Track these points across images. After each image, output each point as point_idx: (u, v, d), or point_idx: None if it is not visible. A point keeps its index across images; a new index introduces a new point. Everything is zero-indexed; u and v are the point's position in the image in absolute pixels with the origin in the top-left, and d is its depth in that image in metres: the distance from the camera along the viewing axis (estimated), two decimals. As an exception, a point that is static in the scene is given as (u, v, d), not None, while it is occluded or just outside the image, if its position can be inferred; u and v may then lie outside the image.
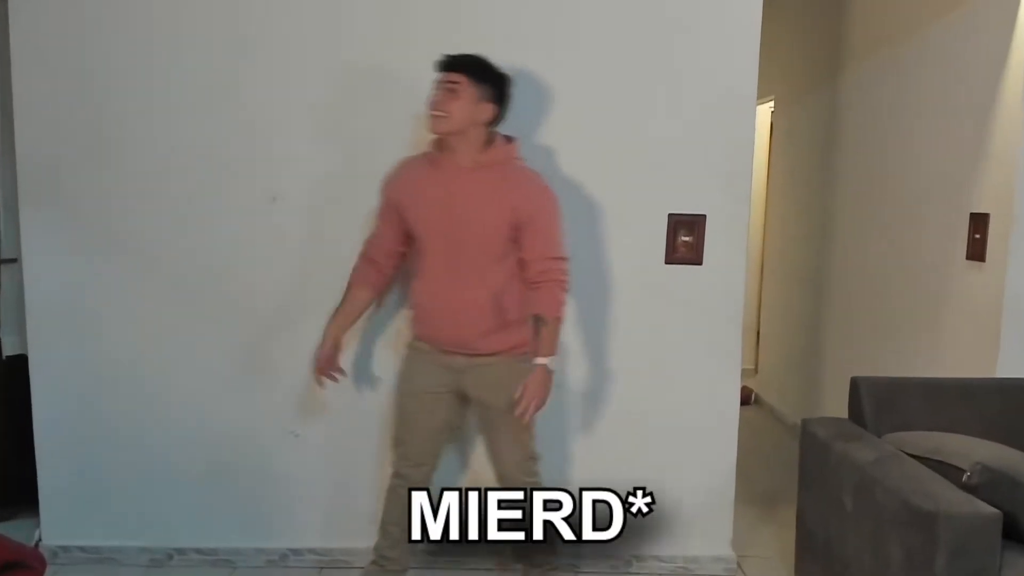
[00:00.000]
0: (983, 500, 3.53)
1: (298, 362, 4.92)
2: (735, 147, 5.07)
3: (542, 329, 4.34)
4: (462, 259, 4.36)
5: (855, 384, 4.68)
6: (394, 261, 4.61)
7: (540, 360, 4.30)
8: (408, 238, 4.52)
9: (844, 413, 4.74)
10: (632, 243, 5.10)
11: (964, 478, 3.66)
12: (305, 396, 5.07)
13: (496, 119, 4.33)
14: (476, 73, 4.24)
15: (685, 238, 5.10)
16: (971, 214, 5.27)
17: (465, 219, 4.31)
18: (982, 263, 5.14)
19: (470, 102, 4.22)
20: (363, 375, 5.11)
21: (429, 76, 4.28)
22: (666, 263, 5.10)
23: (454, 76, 4.20)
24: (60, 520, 5.17)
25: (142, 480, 5.12)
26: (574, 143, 4.99)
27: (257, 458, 5.14)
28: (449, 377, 4.48)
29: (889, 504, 3.74)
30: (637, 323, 5.11)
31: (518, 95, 4.48)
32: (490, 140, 4.35)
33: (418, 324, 4.57)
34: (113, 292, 5.00)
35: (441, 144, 4.35)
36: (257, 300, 5.06)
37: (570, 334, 4.98)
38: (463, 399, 4.58)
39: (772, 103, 9.07)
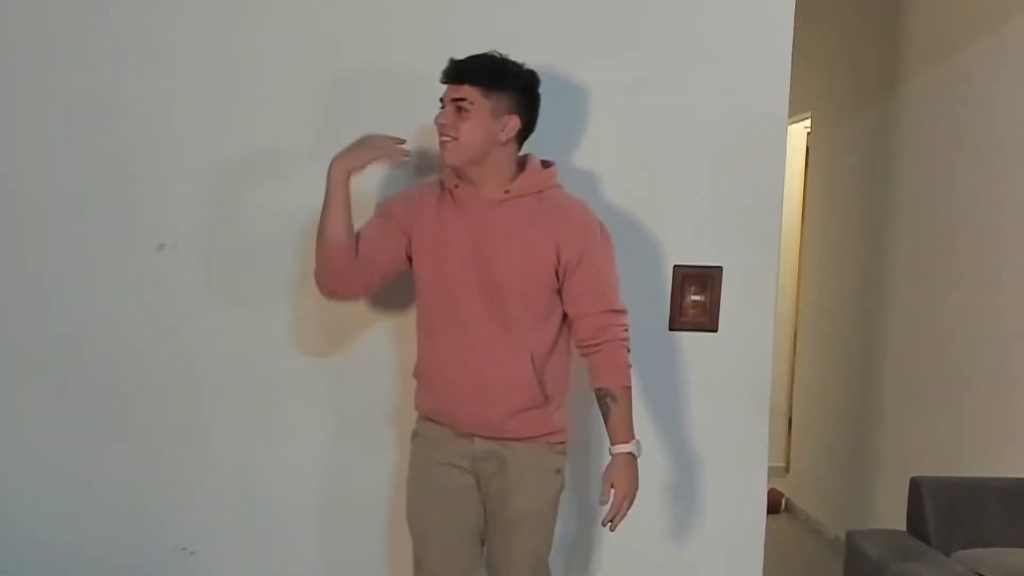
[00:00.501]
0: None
1: (197, 459, 5.04)
2: (760, 179, 5.08)
3: (612, 406, 4.20)
4: (493, 317, 4.25)
5: (916, 486, 4.68)
6: (369, 282, 4.50)
7: (621, 448, 4.19)
8: (395, 269, 4.45)
9: (901, 524, 4.76)
10: (627, 303, 4.58)
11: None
12: (203, 503, 5.10)
13: (524, 132, 4.26)
14: (489, 81, 4.13)
15: (696, 297, 5.07)
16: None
17: (496, 266, 4.21)
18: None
19: (485, 119, 4.12)
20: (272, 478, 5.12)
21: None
22: (671, 329, 5.09)
23: (461, 88, 4.11)
24: None
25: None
26: (564, 165, 4.77)
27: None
28: (472, 466, 4.36)
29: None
30: (636, 407, 4.75)
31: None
32: (521, 163, 4.30)
33: (428, 397, 4.44)
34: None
35: (460, 173, 4.24)
36: (140, 381, 5.07)
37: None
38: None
39: (808, 122, 9.11)
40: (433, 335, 4.38)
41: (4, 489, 5.05)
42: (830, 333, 8.80)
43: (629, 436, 4.21)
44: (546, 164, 4.35)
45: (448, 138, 4.11)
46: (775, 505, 8.71)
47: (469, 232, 4.24)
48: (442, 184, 4.34)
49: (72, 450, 5.06)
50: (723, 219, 5.08)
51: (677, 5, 5.03)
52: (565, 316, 4.31)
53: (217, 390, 4.99)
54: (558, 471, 4.36)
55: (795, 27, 5.00)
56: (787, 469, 9.65)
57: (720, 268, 5.06)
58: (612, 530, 4.22)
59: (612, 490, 4.15)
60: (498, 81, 4.13)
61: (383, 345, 5.09)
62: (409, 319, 4.74)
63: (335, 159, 4.24)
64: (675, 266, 5.04)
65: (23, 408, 5.06)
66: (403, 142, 4.36)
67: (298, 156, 4.65)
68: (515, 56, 4.29)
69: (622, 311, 4.30)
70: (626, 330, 4.29)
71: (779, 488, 9.19)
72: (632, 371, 4.29)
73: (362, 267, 4.35)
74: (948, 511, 4.55)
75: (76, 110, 4.97)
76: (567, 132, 4.96)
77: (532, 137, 4.49)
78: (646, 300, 5.00)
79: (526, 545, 4.35)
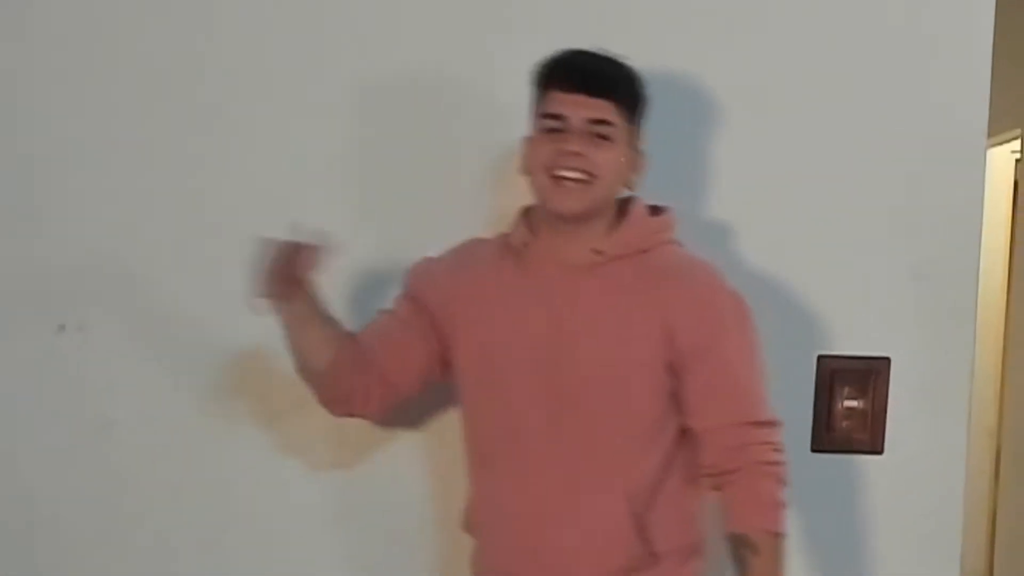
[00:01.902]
0: None
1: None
2: (946, 225, 4.08)
3: (751, 560, 3.17)
4: (574, 437, 3.26)
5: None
6: (386, 398, 3.51)
7: None
8: (422, 377, 3.51)
9: None
10: None
11: None
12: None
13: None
14: (633, 96, 3.24)
15: (851, 403, 4.01)
16: None
17: (577, 363, 3.24)
18: None
19: (624, 151, 3.21)
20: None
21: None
22: (813, 451, 4.07)
23: (604, 106, 3.13)
24: None
25: None
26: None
27: None
28: None
29: None
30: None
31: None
32: (622, 211, 3.33)
33: (484, 555, 3.51)
34: None
35: (538, 225, 3.31)
36: (31, 507, 4.40)
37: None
38: None
39: (1018, 143, 7.99)
40: (485, 470, 3.47)
41: None
42: None
43: None
44: (656, 211, 3.40)
45: (580, 176, 3.11)
46: None
47: (542, 317, 3.30)
48: (506, 243, 3.42)
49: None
50: (892, 287, 4.10)
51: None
52: (683, 433, 3.33)
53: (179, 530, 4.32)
54: None
55: (1002, 20, 4.15)
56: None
57: (888, 360, 4.04)
58: None
59: None
60: (639, 98, 3.29)
61: (412, 460, 4.21)
62: (446, 429, 4.00)
63: (251, 283, 3.31)
64: (820, 356, 4.05)
65: None
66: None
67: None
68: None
69: (771, 423, 3.27)
70: (777, 450, 3.24)
71: None
72: (783, 513, 3.26)
73: (372, 378, 3.48)
74: None
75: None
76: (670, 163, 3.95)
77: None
78: (777, 408, 3.75)
79: None
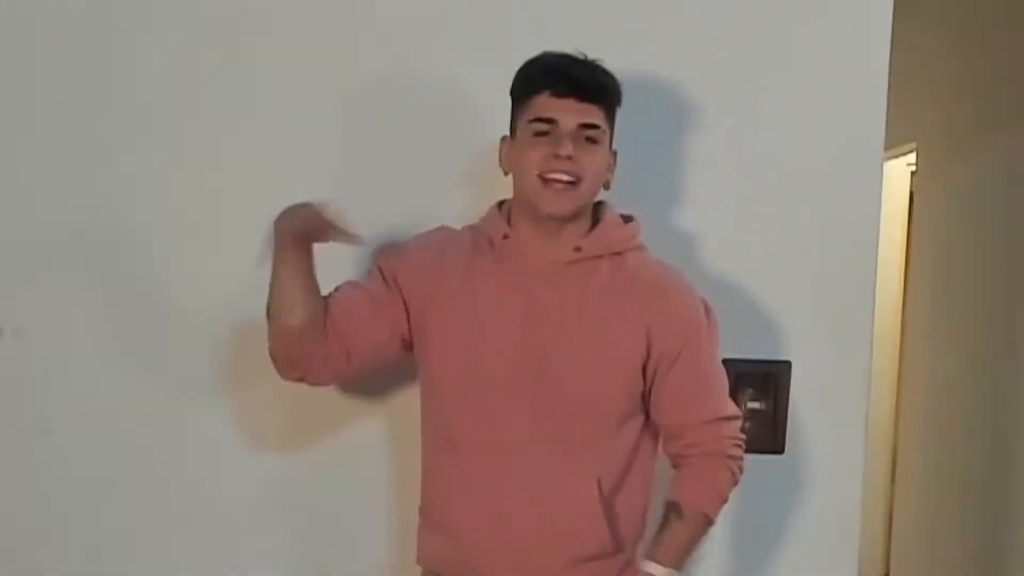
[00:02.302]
0: None
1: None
2: (844, 235, 4.27)
3: (674, 523, 3.35)
4: (549, 423, 3.39)
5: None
6: (343, 366, 3.54)
7: (651, 568, 3.29)
8: (381, 355, 3.59)
9: None
10: None
11: None
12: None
13: None
14: (615, 104, 3.41)
15: (753, 405, 4.15)
16: None
17: (557, 358, 3.36)
18: None
19: (607, 155, 3.40)
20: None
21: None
22: None
23: (595, 111, 3.29)
24: None
25: None
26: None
27: None
28: None
29: None
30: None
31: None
32: (595, 214, 3.49)
33: (438, 543, 3.57)
34: None
35: (517, 221, 3.44)
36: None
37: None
38: None
39: (913, 156, 8.27)
40: (453, 455, 3.51)
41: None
42: (945, 451, 7.93)
43: (671, 563, 3.34)
44: (625, 219, 3.56)
45: (570, 178, 3.25)
46: None
47: (519, 307, 3.42)
48: (483, 235, 3.54)
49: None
50: (794, 294, 4.27)
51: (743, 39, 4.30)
52: (643, 424, 3.49)
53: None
54: None
55: (897, 39, 4.33)
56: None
57: (788, 363, 4.22)
58: None
59: None
60: (618, 104, 3.46)
61: (368, 454, 4.28)
62: (408, 417, 3.95)
63: (278, 217, 3.37)
64: (724, 360, 3.86)
65: None
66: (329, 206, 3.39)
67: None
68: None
69: (735, 417, 3.49)
70: (738, 445, 3.46)
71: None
72: (724, 503, 3.49)
73: (333, 347, 3.51)
74: None
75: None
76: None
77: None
78: None
79: None
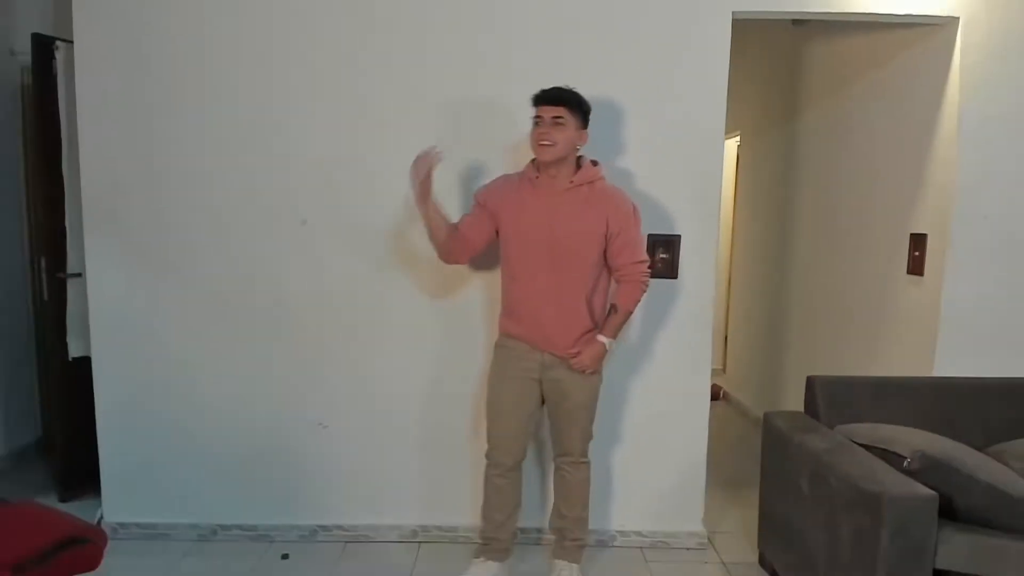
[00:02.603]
0: (922, 483, 3.54)
1: (326, 363, 5.01)
2: (706, 177, 5.00)
3: (613, 315, 4.36)
4: (561, 269, 4.30)
5: (810, 382, 4.68)
6: (470, 253, 4.55)
7: (601, 338, 4.34)
8: (487, 242, 4.51)
9: (801, 407, 4.73)
10: None
11: (905, 464, 3.67)
12: (332, 393, 5.08)
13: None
14: (576, 104, 4.22)
15: (663, 255, 5.02)
16: (911, 234, 5.28)
17: (566, 232, 4.26)
18: (921, 277, 5.14)
19: (573, 131, 4.22)
20: (387, 377, 5.10)
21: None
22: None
23: (558, 109, 4.18)
24: (119, 500, 5.18)
25: (191, 464, 5.13)
26: None
27: (290, 446, 5.14)
28: (539, 371, 4.43)
29: (840, 488, 3.74)
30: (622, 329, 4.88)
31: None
32: (579, 164, 4.35)
33: (513, 324, 4.48)
34: (163, 302, 5.02)
35: (538, 166, 4.31)
36: (291, 312, 5.05)
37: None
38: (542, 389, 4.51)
39: (738, 138, 8.96)
40: (515, 281, 4.42)
41: (198, 375, 5.09)
42: (752, 279, 8.66)
43: (611, 335, 4.37)
44: (594, 163, 4.41)
45: (548, 143, 4.17)
46: (716, 394, 8.63)
47: (545, 210, 4.29)
48: (526, 176, 4.38)
49: (246, 357, 5.08)
50: (682, 204, 5.01)
51: (651, 59, 4.92)
52: (604, 266, 4.38)
53: (355, 319, 5.00)
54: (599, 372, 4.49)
55: (729, 71, 4.91)
56: (724, 370, 9.44)
57: (679, 236, 5.02)
58: (574, 366, 4.35)
59: (580, 354, 4.33)
60: (580, 105, 4.24)
61: (476, 291, 5.07)
62: (493, 276, 4.81)
63: (412, 165, 4.25)
64: (649, 235, 4.92)
65: (210, 329, 5.07)
66: (433, 148, 4.27)
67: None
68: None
69: (645, 261, 4.42)
70: (646, 275, 4.40)
71: (719, 383, 9.05)
72: (637, 304, 4.45)
73: (464, 246, 4.47)
74: (833, 399, 4.56)
75: (249, 136, 4.94)
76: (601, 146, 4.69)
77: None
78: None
79: (580, 423, 4.53)
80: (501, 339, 4.55)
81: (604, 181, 4.41)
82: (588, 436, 4.60)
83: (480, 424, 4.79)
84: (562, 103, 4.19)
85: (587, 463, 4.63)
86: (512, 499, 4.62)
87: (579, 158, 4.36)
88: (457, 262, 4.60)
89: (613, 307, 4.38)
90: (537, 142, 4.22)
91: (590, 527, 4.90)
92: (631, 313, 4.45)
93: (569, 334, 4.35)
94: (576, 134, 4.24)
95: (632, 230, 4.36)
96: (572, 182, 4.29)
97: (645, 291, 4.42)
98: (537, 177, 4.33)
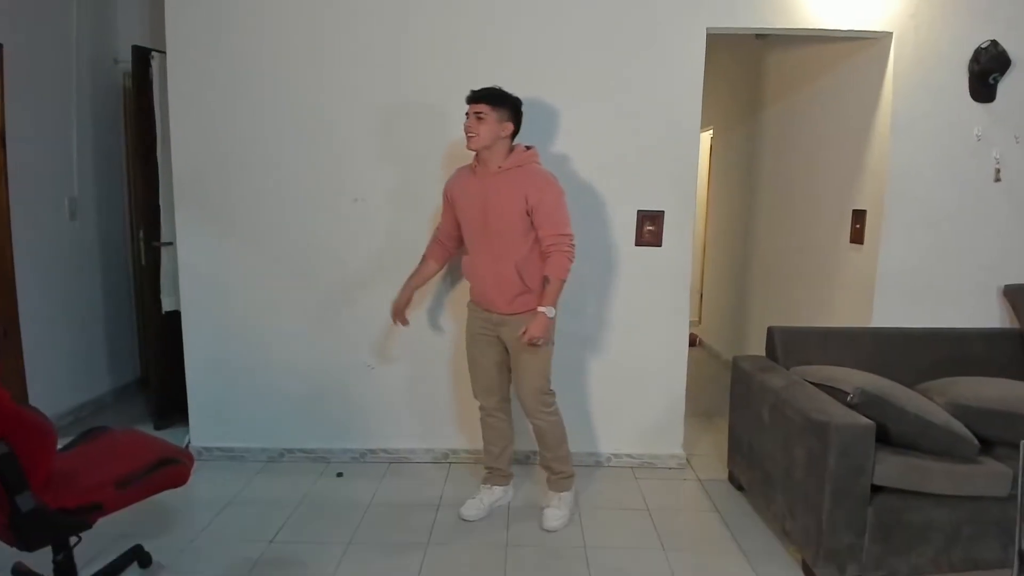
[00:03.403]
0: (862, 415, 3.57)
1: (375, 315, 4.98)
2: (685, 163, 4.95)
3: (547, 286, 4.09)
4: (494, 241, 4.16)
5: (770, 332, 4.70)
6: (454, 243, 4.48)
7: (540, 309, 4.08)
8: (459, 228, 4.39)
9: (763, 352, 4.76)
10: (612, 234, 5.00)
11: (848, 399, 3.69)
12: (378, 340, 5.09)
13: (514, 133, 4.17)
14: (494, 100, 4.07)
15: (649, 227, 4.98)
16: (853, 210, 5.28)
17: (494, 210, 4.11)
18: (861, 246, 5.16)
19: (493, 123, 4.06)
20: (422, 326, 5.09)
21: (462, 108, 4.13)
22: (635, 245, 5.01)
23: (479, 106, 4.05)
24: (204, 428, 5.21)
25: (262, 399, 5.15)
26: (577, 155, 4.92)
27: (344, 383, 5.15)
28: (492, 327, 4.32)
29: (795, 418, 3.77)
30: (616, 288, 5.04)
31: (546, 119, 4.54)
32: (512, 150, 4.17)
33: (471, 291, 4.42)
34: (239, 265, 5.03)
35: (478, 156, 4.17)
36: (344, 272, 5.04)
37: (576, 295, 4.88)
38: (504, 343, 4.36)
39: (711, 131, 8.89)
40: (467, 254, 4.35)
41: (269, 325, 5.09)
42: (723, 248, 8.58)
43: (549, 303, 4.09)
44: (528, 148, 4.21)
45: (472, 134, 4.07)
46: (693, 341, 8.60)
47: (480, 191, 4.16)
48: (470, 165, 4.27)
49: (307, 310, 5.08)
50: (665, 186, 4.94)
51: (640, 68, 4.88)
52: (533, 238, 4.16)
53: (397, 279, 4.84)
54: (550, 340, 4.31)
55: (703, 77, 4.88)
56: (700, 321, 9.41)
57: (663, 211, 4.97)
58: (526, 342, 4.12)
59: (527, 330, 4.10)
60: (501, 101, 4.09)
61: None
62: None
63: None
64: (638, 210, 4.93)
65: (277, 288, 5.07)
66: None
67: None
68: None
69: (568, 235, 4.11)
70: (569, 245, 4.11)
71: (695, 332, 9.04)
72: (567, 272, 4.12)
73: (446, 250, 4.54)
74: (789, 345, 4.58)
75: (306, 129, 4.93)
76: (576, 145, 4.89)
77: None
78: (623, 230, 5.00)
79: (528, 368, 4.28)
80: (469, 303, 4.49)
81: (535, 164, 4.20)
82: (540, 394, 4.32)
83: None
84: (481, 100, 4.07)
85: (547, 415, 4.37)
86: (504, 434, 4.55)
87: (515, 146, 4.20)
88: (452, 255, 4.61)
89: (545, 278, 4.11)
90: (466, 133, 4.11)
91: (589, 450, 5.03)
92: (563, 281, 4.12)
93: (503, 296, 4.21)
94: (498, 126, 4.08)
95: (549, 205, 4.08)
96: (500, 167, 4.13)
97: (571, 260, 4.11)
98: (476, 166, 4.23)
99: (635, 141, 4.90)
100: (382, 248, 5.00)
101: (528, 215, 4.08)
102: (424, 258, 4.54)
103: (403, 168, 4.94)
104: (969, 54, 4.81)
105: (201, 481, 4.75)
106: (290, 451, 5.24)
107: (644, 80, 4.87)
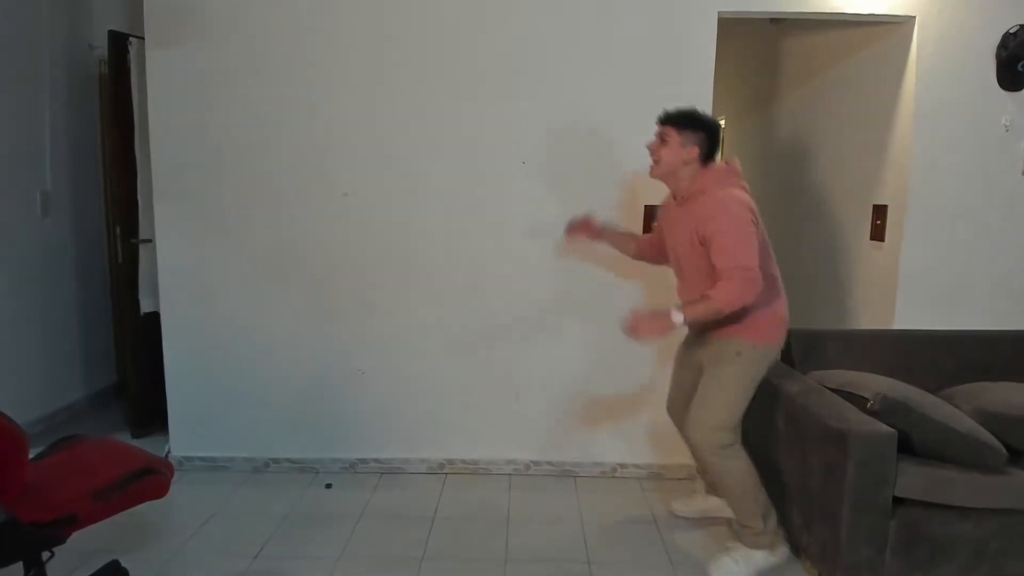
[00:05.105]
0: (883, 422, 3.55)
1: (364, 318, 5.02)
2: None
3: (699, 301, 3.73)
4: (683, 274, 4.13)
5: (788, 334, 4.67)
6: (654, 251, 4.51)
7: (674, 310, 3.72)
8: (661, 251, 4.42)
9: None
10: (628, 223, 4.96)
11: (868, 405, 3.67)
12: (369, 344, 5.09)
13: (704, 158, 3.99)
14: (679, 123, 3.96)
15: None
16: (874, 206, 5.27)
17: (673, 244, 4.12)
18: (882, 243, 5.15)
19: (676, 147, 3.95)
20: (414, 330, 5.09)
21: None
22: (643, 234, 4.84)
23: (663, 128, 3.99)
24: (184, 437, 5.21)
25: (246, 406, 5.15)
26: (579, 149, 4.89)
27: (333, 389, 5.15)
28: (691, 347, 4.32)
29: (811, 426, 3.75)
30: (621, 292, 5.04)
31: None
32: (701, 175, 3.98)
33: None
34: (222, 264, 5.03)
35: (666, 183, 4.12)
36: (335, 271, 5.05)
37: (583, 299, 4.93)
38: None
39: (724, 121, 8.80)
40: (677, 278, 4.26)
41: (253, 329, 5.09)
42: None
43: (685, 312, 3.72)
44: (716, 171, 4.02)
45: (655, 159, 4.04)
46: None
47: (669, 221, 4.18)
48: (671, 196, 4.19)
49: (294, 312, 5.10)
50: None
51: (647, 55, 4.89)
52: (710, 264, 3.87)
53: (385, 281, 4.96)
54: (738, 353, 4.01)
55: (715, 64, 4.87)
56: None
57: None
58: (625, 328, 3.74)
59: (636, 313, 3.77)
60: (687, 123, 3.97)
61: (476, 249, 5.04)
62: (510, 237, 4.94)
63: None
64: (646, 206, 4.94)
65: (263, 288, 5.08)
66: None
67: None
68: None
69: (744, 267, 3.72)
70: (740, 275, 3.71)
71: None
72: (729, 303, 3.72)
73: (654, 253, 4.52)
74: (806, 348, 4.58)
75: (293, 121, 4.93)
76: (596, 133, 4.89)
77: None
78: (631, 228, 4.93)
79: (704, 393, 4.08)
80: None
81: (714, 189, 3.92)
82: (712, 423, 4.02)
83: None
84: (664, 122, 4.01)
85: (721, 454, 4.03)
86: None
87: (708, 167, 4.02)
88: (653, 263, 4.62)
89: (703, 295, 3.75)
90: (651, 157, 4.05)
91: (596, 460, 5.06)
92: (719, 308, 3.73)
93: (692, 327, 4.19)
94: (680, 150, 3.95)
95: (721, 237, 3.77)
96: (685, 195, 4.02)
97: (744, 291, 3.72)
98: (674, 197, 4.14)
99: (646, 133, 4.54)
100: (370, 247, 5.02)
101: (702, 247, 3.88)
102: (638, 237, 4.61)
103: (390, 162, 4.95)
104: (997, 39, 4.80)
105: (182, 493, 4.73)
106: (276, 461, 5.23)
107: (654, 68, 4.87)
